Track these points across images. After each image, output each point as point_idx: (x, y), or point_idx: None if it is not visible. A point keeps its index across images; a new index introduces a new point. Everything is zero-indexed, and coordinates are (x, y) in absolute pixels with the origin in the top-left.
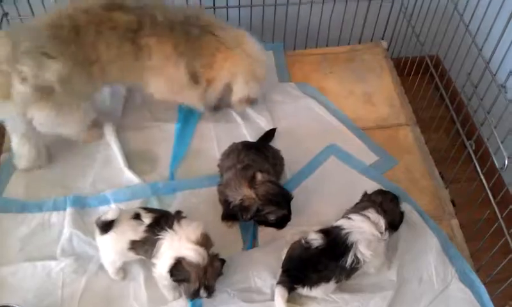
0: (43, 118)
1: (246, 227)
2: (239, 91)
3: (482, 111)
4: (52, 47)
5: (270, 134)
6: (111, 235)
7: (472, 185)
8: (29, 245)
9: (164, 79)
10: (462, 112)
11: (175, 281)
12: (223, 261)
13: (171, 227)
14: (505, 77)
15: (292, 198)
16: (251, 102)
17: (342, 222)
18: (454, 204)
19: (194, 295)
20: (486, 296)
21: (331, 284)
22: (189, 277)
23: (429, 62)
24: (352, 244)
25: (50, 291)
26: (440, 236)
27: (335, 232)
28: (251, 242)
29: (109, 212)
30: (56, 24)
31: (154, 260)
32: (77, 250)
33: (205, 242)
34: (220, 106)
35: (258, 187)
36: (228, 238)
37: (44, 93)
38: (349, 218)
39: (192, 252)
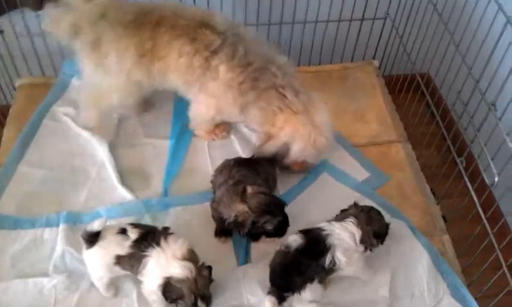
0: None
1: (239, 242)
2: (295, 154)
3: (473, 129)
4: (131, 24)
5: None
6: (96, 249)
7: (463, 201)
8: (21, 261)
9: (216, 102)
10: (453, 129)
11: (170, 302)
12: (210, 268)
13: (158, 244)
14: (495, 94)
15: (286, 205)
16: (307, 166)
17: (323, 225)
18: (445, 220)
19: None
20: None
21: (316, 285)
22: (182, 293)
23: (419, 79)
24: (330, 246)
25: None
26: (431, 252)
27: (316, 232)
28: (244, 258)
29: (95, 222)
30: (145, 10)
31: (140, 277)
32: (69, 267)
33: (191, 257)
34: (276, 158)
35: (250, 199)
36: (221, 254)
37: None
38: (330, 223)
39: (178, 269)
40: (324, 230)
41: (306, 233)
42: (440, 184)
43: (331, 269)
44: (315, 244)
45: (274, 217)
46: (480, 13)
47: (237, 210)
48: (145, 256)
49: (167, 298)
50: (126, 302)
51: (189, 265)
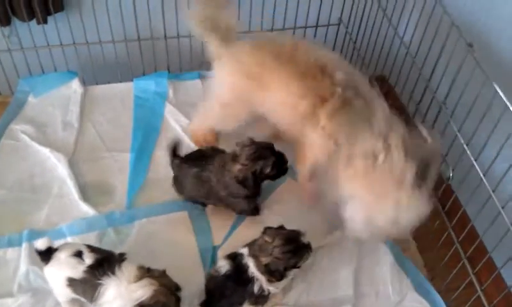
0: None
1: (206, 249)
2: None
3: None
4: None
5: None
6: (51, 268)
7: None
8: None
9: (312, 149)
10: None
11: None
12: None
13: (113, 272)
14: (445, 93)
15: (272, 145)
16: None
17: (243, 251)
18: None
19: (178, 304)
20: (441, 304)
21: None
22: (163, 302)
23: (374, 82)
24: (253, 276)
25: None
26: (394, 250)
27: (238, 260)
28: (210, 265)
29: (38, 241)
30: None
31: (97, 306)
32: (34, 285)
33: (141, 273)
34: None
35: (240, 157)
36: (188, 262)
37: None
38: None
39: (141, 290)
40: (243, 258)
41: (233, 258)
42: None
43: (264, 296)
44: (241, 272)
45: (267, 159)
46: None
47: (234, 171)
48: (100, 284)
49: None
50: None
51: (147, 280)
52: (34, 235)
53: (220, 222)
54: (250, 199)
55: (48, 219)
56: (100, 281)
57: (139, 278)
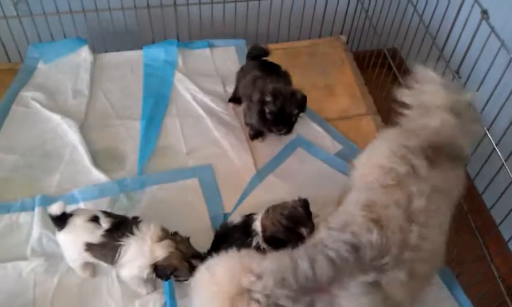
0: None
1: (216, 220)
2: None
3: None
4: None
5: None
6: (67, 234)
7: None
8: None
9: None
10: None
11: (166, 278)
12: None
13: (132, 233)
14: (458, 63)
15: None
16: None
17: (256, 215)
18: None
19: (192, 272)
20: None
21: None
22: (174, 265)
23: (386, 52)
24: (255, 232)
25: (22, 292)
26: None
27: (249, 218)
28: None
29: (52, 206)
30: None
31: (118, 266)
32: (47, 250)
33: (165, 234)
34: None
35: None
36: (197, 227)
37: None
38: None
39: (161, 251)
40: (254, 219)
41: (247, 216)
42: None
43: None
44: (247, 226)
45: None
46: None
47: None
48: (121, 245)
49: (162, 277)
50: (106, 281)
51: (167, 242)
52: (47, 200)
53: (231, 190)
54: None
55: (60, 185)
56: (119, 243)
57: (162, 239)
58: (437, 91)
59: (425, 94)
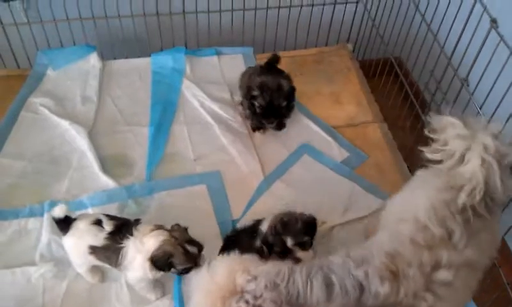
0: None
1: (224, 225)
2: None
3: (446, 105)
4: None
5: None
6: (71, 238)
7: None
8: (6, 252)
9: None
10: (426, 109)
11: (168, 269)
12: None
13: (131, 234)
14: (466, 72)
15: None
16: None
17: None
18: None
19: (191, 260)
20: None
21: None
22: (168, 252)
23: (393, 61)
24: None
25: (31, 297)
26: None
27: (259, 222)
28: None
29: (55, 209)
30: None
31: (122, 269)
32: (56, 255)
33: (157, 227)
34: None
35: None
36: (205, 233)
37: None
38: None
39: (152, 240)
40: (262, 223)
41: (257, 221)
42: (416, 163)
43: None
44: (255, 230)
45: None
46: None
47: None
48: (122, 247)
49: (162, 268)
50: (115, 286)
51: (158, 231)
52: (56, 205)
53: (238, 196)
54: None
55: (68, 191)
56: (121, 245)
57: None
58: (463, 134)
59: (452, 141)
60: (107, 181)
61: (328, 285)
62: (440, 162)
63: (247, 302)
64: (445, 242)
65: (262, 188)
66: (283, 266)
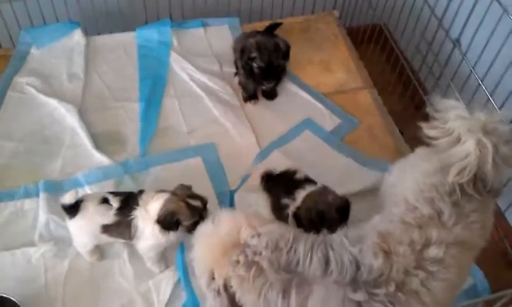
0: None
1: (222, 196)
2: None
3: (438, 66)
4: None
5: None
6: (80, 220)
7: None
8: (4, 234)
9: None
10: (416, 72)
11: (176, 228)
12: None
13: (137, 204)
14: (457, 33)
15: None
16: None
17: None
18: None
19: (195, 214)
20: None
21: None
22: (172, 210)
23: (382, 26)
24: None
25: (33, 278)
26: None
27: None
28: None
29: (65, 195)
30: None
31: (135, 240)
32: (54, 234)
33: (159, 191)
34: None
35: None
36: None
37: None
38: None
39: (155, 202)
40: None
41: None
42: (406, 128)
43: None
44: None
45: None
46: None
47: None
48: (132, 219)
49: (170, 227)
50: (117, 262)
51: (159, 194)
52: (51, 185)
53: (235, 167)
54: None
55: (63, 169)
56: (131, 217)
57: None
58: (464, 115)
59: (452, 121)
60: (101, 159)
61: (327, 261)
62: (436, 138)
63: (246, 256)
64: (434, 221)
65: (259, 159)
66: (288, 231)
